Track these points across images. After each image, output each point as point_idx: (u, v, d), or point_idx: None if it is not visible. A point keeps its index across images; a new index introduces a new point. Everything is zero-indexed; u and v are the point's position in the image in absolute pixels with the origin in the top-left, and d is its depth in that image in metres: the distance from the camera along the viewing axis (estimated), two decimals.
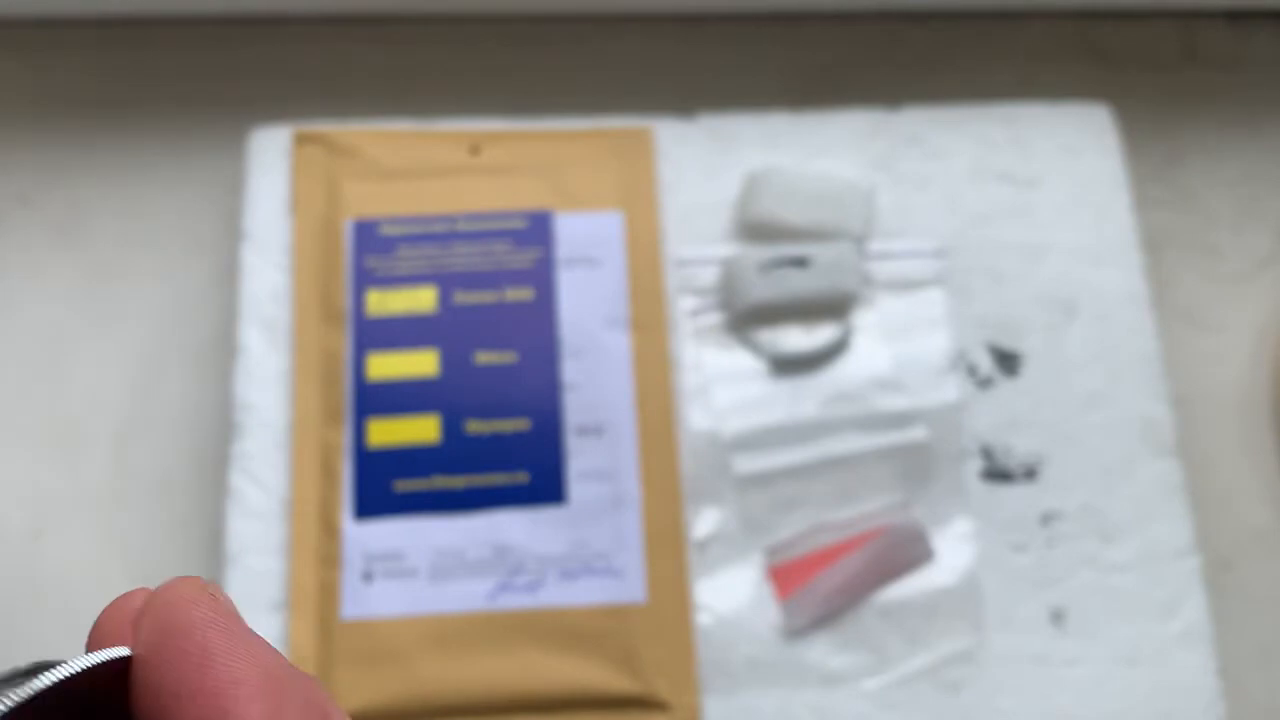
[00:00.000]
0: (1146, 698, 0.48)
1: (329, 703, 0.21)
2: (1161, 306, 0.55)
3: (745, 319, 0.52)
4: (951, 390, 0.52)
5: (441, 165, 0.54)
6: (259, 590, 0.48)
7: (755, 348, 0.52)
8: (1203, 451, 0.54)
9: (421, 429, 0.50)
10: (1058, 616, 0.49)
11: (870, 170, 0.55)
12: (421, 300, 0.51)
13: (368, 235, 0.52)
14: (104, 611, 0.21)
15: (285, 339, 0.51)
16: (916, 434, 0.51)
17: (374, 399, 0.50)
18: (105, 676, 0.20)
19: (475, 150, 0.54)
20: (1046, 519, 0.50)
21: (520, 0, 0.59)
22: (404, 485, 0.49)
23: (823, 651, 0.48)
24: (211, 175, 0.56)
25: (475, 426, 0.50)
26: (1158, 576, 0.49)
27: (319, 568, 0.48)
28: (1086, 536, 0.50)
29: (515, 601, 0.48)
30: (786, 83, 0.59)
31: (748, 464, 0.50)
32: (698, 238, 0.54)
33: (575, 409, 0.50)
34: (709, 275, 0.53)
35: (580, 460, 0.49)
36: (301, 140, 0.54)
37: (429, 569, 0.48)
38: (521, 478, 0.49)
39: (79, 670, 0.20)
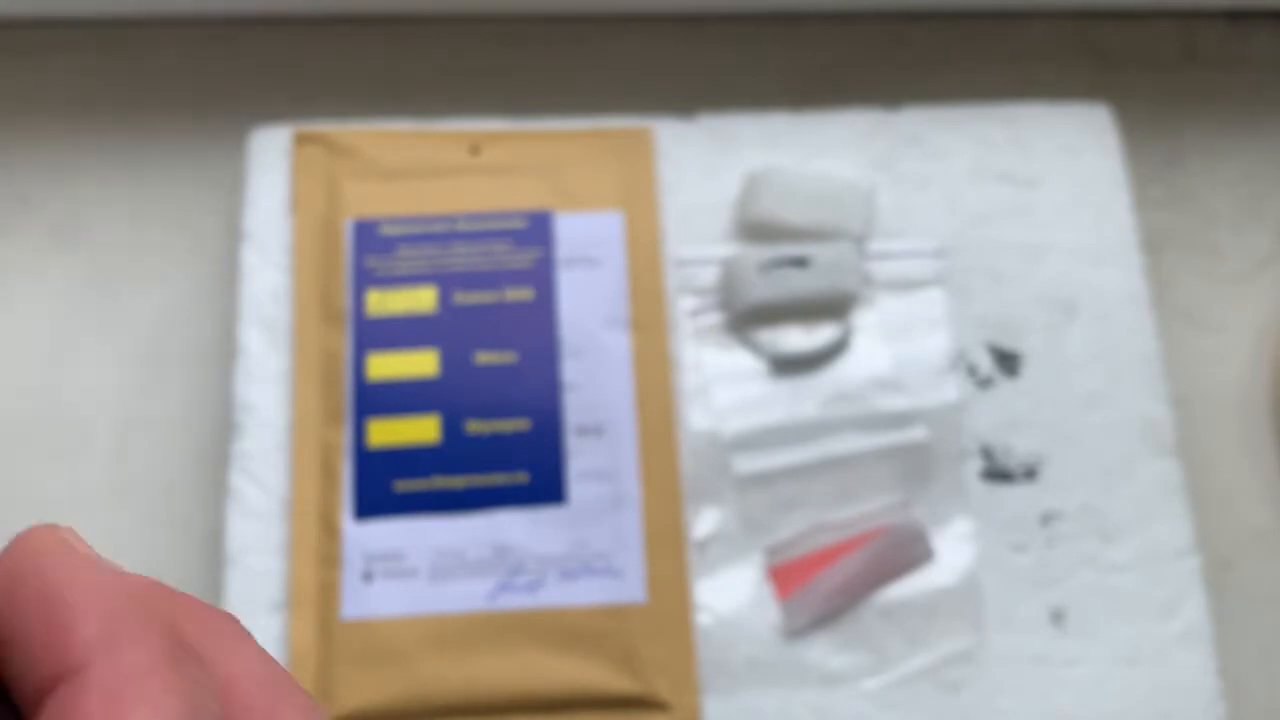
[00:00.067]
0: (1146, 698, 0.48)
1: (193, 629, 0.20)
2: (1161, 306, 0.55)
3: (745, 319, 0.52)
4: (951, 390, 0.52)
5: (441, 165, 0.54)
6: (259, 590, 0.48)
7: (755, 348, 0.52)
8: (1203, 451, 0.54)
9: (421, 429, 0.50)
10: (1058, 616, 0.49)
11: (870, 170, 0.55)
12: (421, 300, 0.51)
13: (368, 235, 0.52)
14: None
15: (285, 339, 0.51)
16: (916, 434, 0.51)
17: (374, 399, 0.50)
18: None
19: (475, 150, 0.54)
20: (1046, 519, 0.50)
21: (520, 0, 0.59)
22: (404, 485, 0.49)
23: (823, 651, 0.48)
24: (211, 175, 0.56)
25: (475, 426, 0.50)
26: (1158, 576, 0.49)
27: (319, 568, 0.48)
28: (1086, 536, 0.50)
29: (515, 601, 0.48)
30: (786, 83, 0.59)
31: (748, 464, 0.50)
32: (698, 238, 0.54)
33: (575, 409, 0.50)
34: (709, 275, 0.53)
35: (580, 460, 0.49)
36: (301, 140, 0.54)
37: (429, 569, 0.48)
38: (521, 478, 0.49)
39: None
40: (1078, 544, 0.50)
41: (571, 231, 0.53)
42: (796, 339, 0.52)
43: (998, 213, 0.54)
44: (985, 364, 0.52)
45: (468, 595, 0.48)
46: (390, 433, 0.50)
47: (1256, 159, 0.59)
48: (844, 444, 0.51)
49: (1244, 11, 0.61)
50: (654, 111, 0.56)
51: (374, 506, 0.49)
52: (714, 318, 0.52)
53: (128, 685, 0.18)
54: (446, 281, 0.52)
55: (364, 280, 0.52)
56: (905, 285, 0.53)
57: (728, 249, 0.53)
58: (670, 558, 0.49)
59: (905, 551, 0.49)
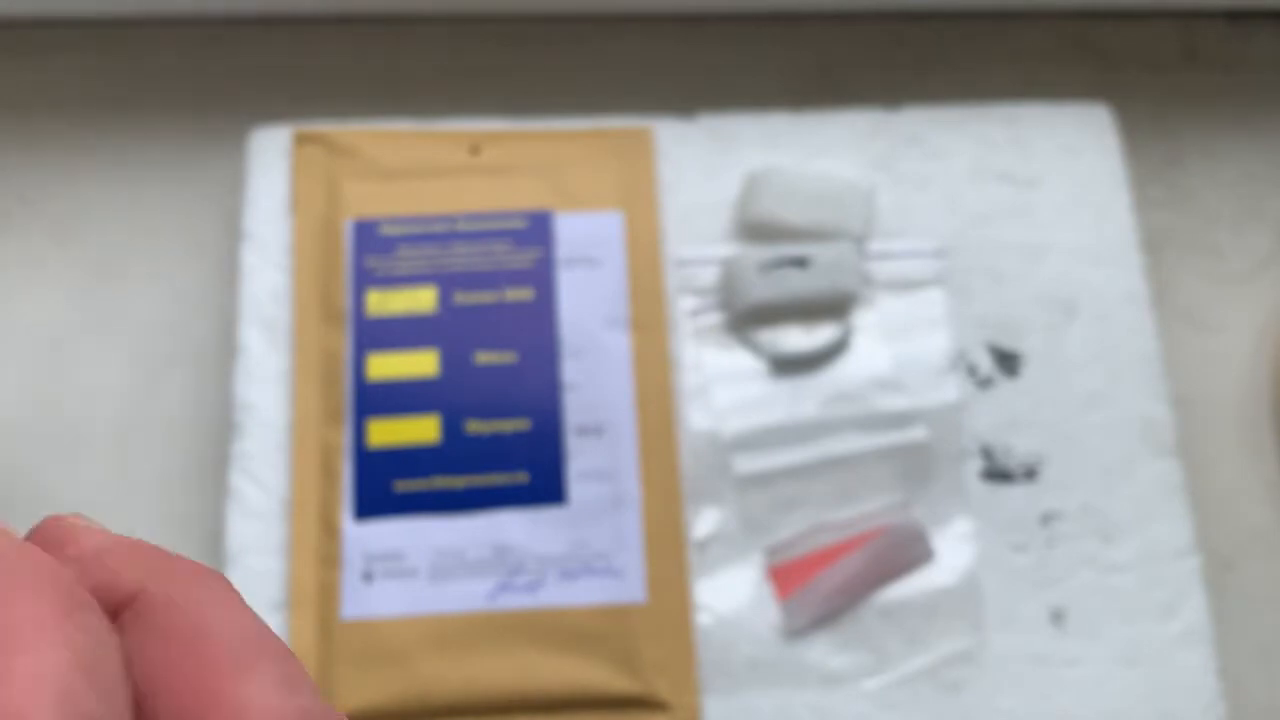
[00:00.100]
0: (1146, 698, 0.48)
1: (165, 585, 0.20)
2: (1161, 306, 0.55)
3: (745, 319, 0.52)
4: (951, 390, 0.52)
5: (441, 165, 0.54)
6: (259, 590, 0.48)
7: (755, 348, 0.52)
8: (1203, 451, 0.54)
9: (421, 429, 0.50)
10: (1058, 616, 0.49)
11: (870, 170, 0.55)
12: (421, 300, 0.51)
13: (368, 235, 0.52)
14: None
15: (285, 339, 0.51)
16: (916, 434, 0.51)
17: (374, 399, 0.50)
18: None
19: (475, 150, 0.54)
20: (1046, 519, 0.50)
21: (520, 0, 0.59)
22: (404, 485, 0.49)
23: (823, 651, 0.48)
24: (211, 175, 0.56)
25: (475, 426, 0.50)
26: (1158, 576, 0.49)
27: (319, 568, 0.48)
28: (1086, 536, 0.50)
29: (515, 601, 0.48)
30: (786, 83, 0.59)
31: (748, 464, 0.50)
32: (698, 238, 0.54)
33: (575, 409, 0.50)
34: (709, 275, 0.53)
35: (580, 460, 0.49)
36: (301, 140, 0.54)
37: (429, 569, 0.48)
38: (521, 478, 0.49)
39: None
40: (1078, 544, 0.50)
41: (571, 231, 0.53)
42: (796, 339, 0.52)
43: (998, 213, 0.54)
44: (985, 364, 0.52)
45: (468, 595, 0.48)
46: (390, 433, 0.50)
47: (1256, 159, 0.59)
48: (844, 444, 0.51)
49: (1244, 11, 0.61)
50: (654, 111, 0.56)
51: (374, 506, 0.49)
52: (714, 318, 0.52)
53: (13, 635, 0.18)
54: (446, 281, 0.52)
55: (364, 280, 0.52)
56: (905, 285, 0.53)
57: (728, 249, 0.53)
58: (670, 558, 0.49)
59: (905, 551, 0.49)
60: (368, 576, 0.48)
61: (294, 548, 0.48)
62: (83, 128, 0.57)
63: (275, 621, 0.48)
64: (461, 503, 0.49)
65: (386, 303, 0.51)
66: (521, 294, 0.52)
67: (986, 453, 0.51)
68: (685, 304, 0.53)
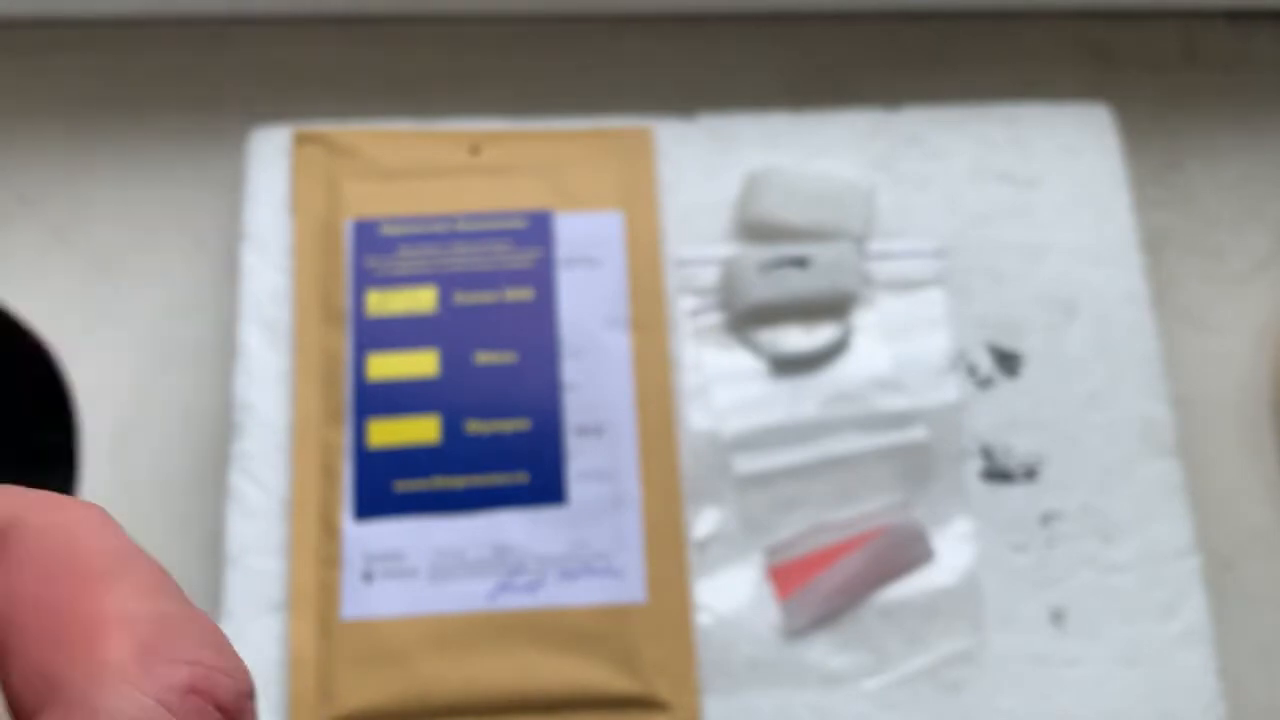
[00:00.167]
0: (1146, 698, 0.48)
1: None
2: (1161, 306, 0.55)
3: (745, 319, 0.52)
4: (951, 390, 0.52)
5: (441, 165, 0.54)
6: (259, 590, 0.48)
7: (755, 348, 0.52)
8: (1203, 451, 0.54)
9: (421, 429, 0.50)
10: (1058, 616, 0.49)
11: (870, 170, 0.55)
12: (421, 300, 0.51)
13: (368, 235, 0.52)
14: None
15: (285, 339, 0.51)
16: (916, 434, 0.51)
17: (374, 399, 0.50)
18: None
19: (475, 150, 0.54)
20: (1046, 519, 0.50)
21: (520, 0, 0.59)
22: (404, 485, 0.49)
23: (823, 651, 0.48)
24: (211, 175, 0.56)
25: (475, 426, 0.50)
26: (1158, 576, 0.49)
27: (319, 568, 0.48)
28: (1086, 536, 0.50)
29: (515, 601, 0.48)
30: (786, 83, 0.59)
31: (748, 464, 0.50)
32: (698, 238, 0.54)
33: (575, 409, 0.50)
34: (709, 275, 0.53)
35: (580, 460, 0.49)
36: (301, 140, 0.54)
37: (429, 569, 0.48)
38: (521, 478, 0.49)
39: None
40: (1078, 544, 0.50)
41: (571, 231, 0.53)
42: (796, 339, 0.52)
43: (998, 213, 0.54)
44: (985, 364, 0.52)
45: (468, 595, 0.48)
46: (390, 433, 0.50)
47: (1256, 160, 0.59)
48: (844, 444, 0.51)
49: (1244, 11, 0.61)
50: (654, 111, 0.56)
51: (374, 506, 0.49)
52: (714, 318, 0.52)
53: None
54: (446, 281, 0.52)
55: (364, 280, 0.52)
56: (905, 285, 0.53)
57: (728, 249, 0.53)
58: (670, 558, 0.49)
59: (905, 551, 0.49)
60: (368, 576, 0.48)
61: (294, 548, 0.48)
62: (83, 128, 0.57)
63: (275, 622, 0.48)
64: (461, 503, 0.49)
65: (386, 303, 0.51)
66: (521, 294, 0.52)
67: (986, 453, 0.51)
68: (685, 304, 0.53)
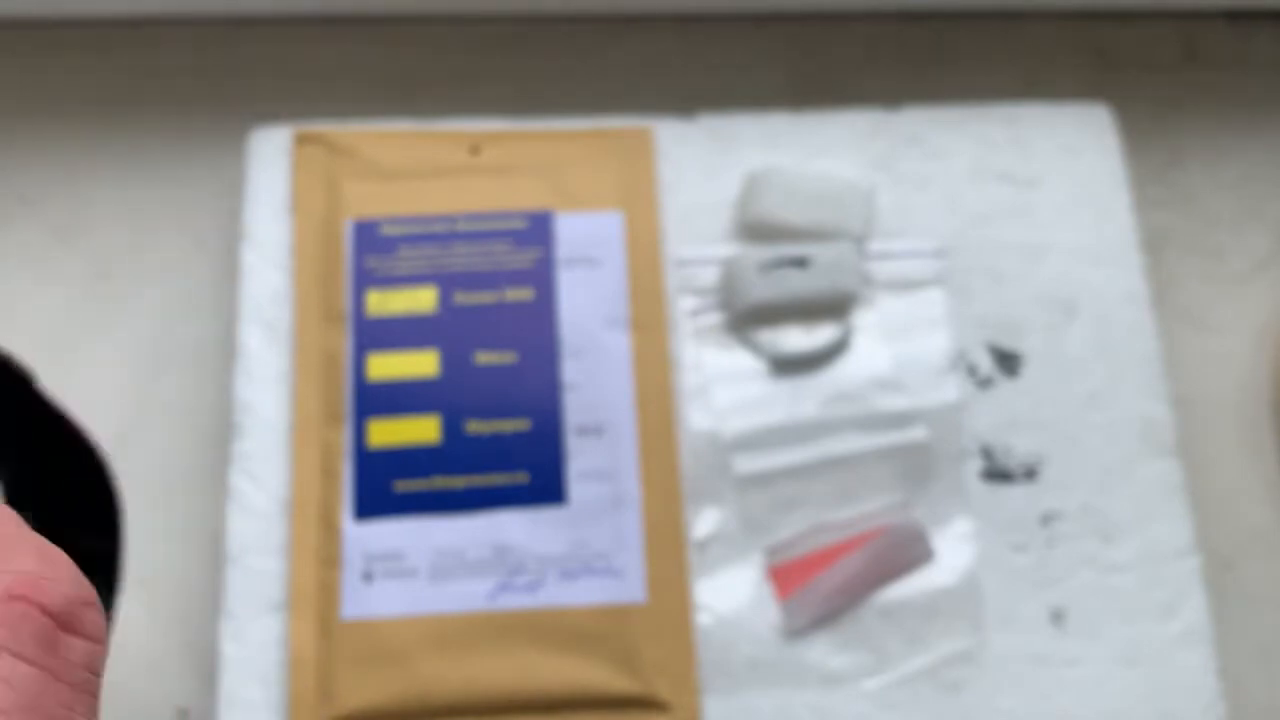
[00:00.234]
0: (1146, 698, 0.48)
1: None
2: (1161, 306, 0.55)
3: (745, 319, 0.52)
4: (951, 390, 0.52)
5: (441, 165, 0.54)
6: (259, 590, 0.48)
7: (755, 348, 0.52)
8: (1203, 451, 0.54)
9: (421, 429, 0.50)
10: (1058, 616, 0.49)
11: (870, 170, 0.55)
12: (421, 300, 0.51)
13: (368, 235, 0.52)
14: None
15: (285, 339, 0.51)
16: (916, 434, 0.51)
17: (374, 399, 0.50)
18: None
19: (475, 150, 0.54)
20: (1046, 519, 0.50)
21: (521, 0, 0.59)
22: (404, 485, 0.49)
23: (823, 651, 0.48)
24: (211, 175, 0.56)
25: (475, 426, 0.50)
26: (1158, 576, 0.49)
27: (319, 568, 0.48)
28: (1086, 536, 0.50)
29: (515, 601, 0.48)
30: (787, 83, 0.59)
31: (748, 464, 0.50)
32: (698, 238, 0.54)
33: (575, 409, 0.50)
34: (709, 275, 0.53)
35: (580, 460, 0.49)
36: (301, 140, 0.54)
37: (429, 569, 0.48)
38: (521, 478, 0.49)
39: None
40: (1078, 544, 0.50)
41: (571, 231, 0.53)
42: (796, 339, 0.52)
43: (998, 213, 0.54)
44: (985, 364, 0.52)
45: (468, 595, 0.48)
46: (390, 433, 0.50)
47: (1256, 159, 0.59)
48: (844, 444, 0.51)
49: (1244, 11, 0.61)
50: (654, 111, 0.56)
51: (374, 506, 0.49)
52: (714, 318, 0.52)
53: None
54: (446, 281, 0.52)
55: (364, 280, 0.52)
56: (905, 285, 0.53)
57: (728, 249, 0.53)
58: (670, 558, 0.49)
59: (905, 551, 0.49)
60: (368, 576, 0.48)
61: (294, 548, 0.48)
62: (83, 128, 0.57)
63: (275, 622, 0.48)
64: (461, 503, 0.49)
65: (386, 303, 0.51)
66: (521, 294, 0.52)
67: (986, 453, 0.51)
68: (685, 304, 0.53)
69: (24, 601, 0.20)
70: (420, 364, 0.51)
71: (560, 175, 0.54)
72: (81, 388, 0.53)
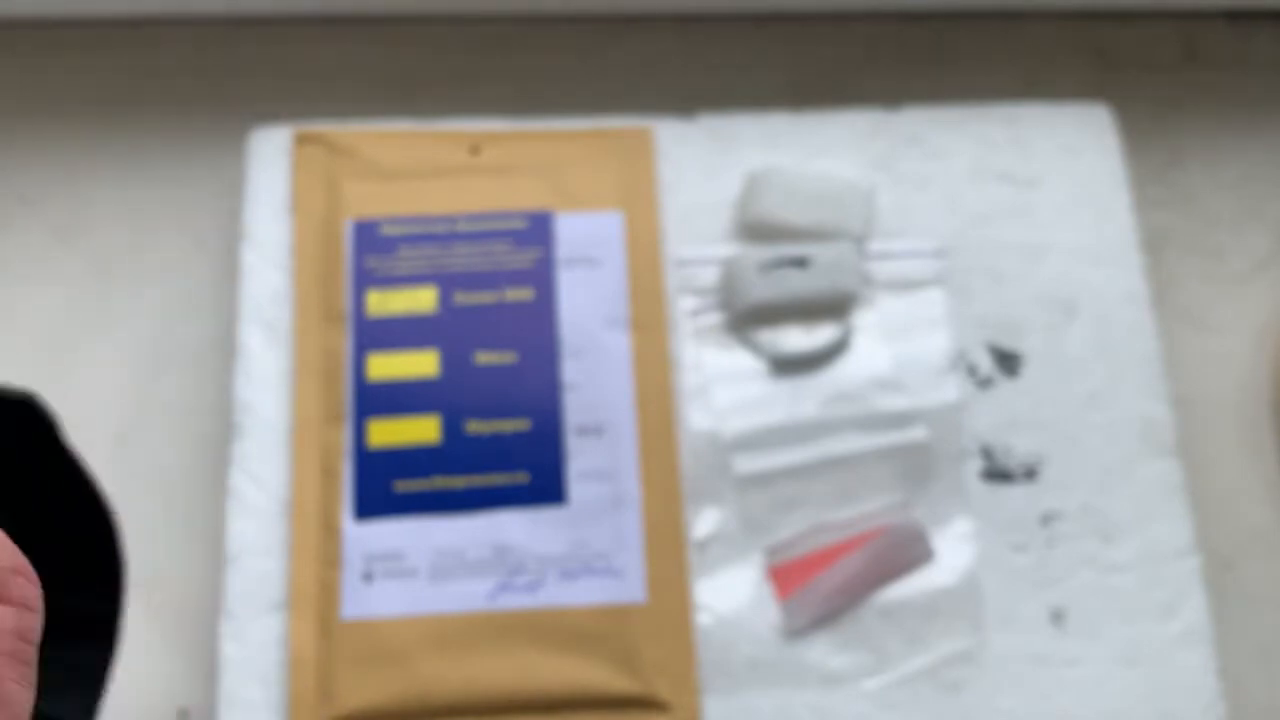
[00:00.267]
0: (1146, 698, 0.48)
1: None
2: (1161, 306, 0.55)
3: (745, 319, 0.52)
4: (951, 390, 0.52)
5: (441, 165, 0.54)
6: (259, 590, 0.48)
7: (755, 348, 0.52)
8: (1203, 451, 0.54)
9: (421, 429, 0.50)
10: (1058, 616, 0.49)
11: (870, 170, 0.55)
12: (421, 300, 0.51)
13: (368, 235, 0.52)
14: None
15: (285, 339, 0.51)
16: (916, 434, 0.51)
17: (374, 399, 0.50)
18: None
19: (475, 150, 0.54)
20: (1046, 519, 0.50)
21: (521, 0, 0.59)
22: (404, 485, 0.49)
23: (823, 651, 0.48)
24: (211, 175, 0.56)
25: (475, 426, 0.50)
26: (1158, 576, 0.49)
27: (319, 568, 0.48)
28: (1086, 536, 0.50)
29: (515, 601, 0.48)
30: (787, 83, 0.59)
31: (748, 464, 0.50)
32: (698, 238, 0.54)
33: (575, 409, 0.50)
34: (709, 275, 0.53)
35: (580, 460, 0.49)
36: (301, 140, 0.54)
37: (429, 569, 0.48)
38: (521, 478, 0.49)
39: None
40: (1078, 544, 0.50)
41: (571, 231, 0.53)
42: (796, 339, 0.52)
43: (998, 213, 0.54)
44: (985, 364, 0.52)
45: (468, 595, 0.48)
46: (390, 433, 0.50)
47: (1256, 159, 0.59)
48: (844, 444, 0.51)
49: (1244, 11, 0.61)
50: (654, 111, 0.56)
51: (374, 506, 0.49)
52: (714, 318, 0.52)
53: None
54: (446, 281, 0.52)
55: (364, 280, 0.52)
56: (905, 285, 0.53)
57: (728, 249, 0.53)
58: (670, 558, 0.49)
59: (905, 551, 0.49)
60: (368, 576, 0.48)
61: (294, 548, 0.48)
62: (83, 128, 0.57)
63: (275, 622, 0.48)
64: (461, 503, 0.49)
65: (386, 303, 0.51)
66: (521, 294, 0.52)
67: (986, 453, 0.51)
68: (685, 304, 0.53)
69: None
70: (420, 364, 0.51)
71: (560, 175, 0.54)
72: (81, 388, 0.53)
